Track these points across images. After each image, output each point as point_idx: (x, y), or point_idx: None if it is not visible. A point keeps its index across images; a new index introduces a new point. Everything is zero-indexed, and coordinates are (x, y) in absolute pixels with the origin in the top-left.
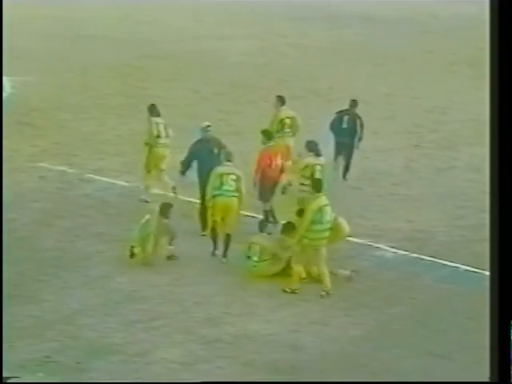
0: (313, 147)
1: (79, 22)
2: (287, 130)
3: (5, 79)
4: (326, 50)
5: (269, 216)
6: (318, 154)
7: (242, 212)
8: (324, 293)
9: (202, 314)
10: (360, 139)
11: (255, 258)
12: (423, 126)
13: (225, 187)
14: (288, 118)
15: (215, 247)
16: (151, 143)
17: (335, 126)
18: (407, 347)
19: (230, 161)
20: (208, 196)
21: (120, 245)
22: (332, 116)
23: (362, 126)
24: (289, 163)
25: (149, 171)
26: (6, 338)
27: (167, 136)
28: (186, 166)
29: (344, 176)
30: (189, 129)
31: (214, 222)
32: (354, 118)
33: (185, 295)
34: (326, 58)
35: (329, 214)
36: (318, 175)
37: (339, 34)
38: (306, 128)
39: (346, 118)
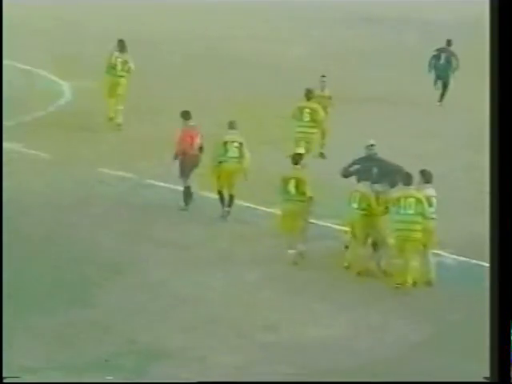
0: None
1: (141, 26)
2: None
3: (65, 84)
4: (386, 54)
5: (188, 191)
6: None
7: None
8: (399, 285)
9: (260, 319)
10: (455, 70)
11: (354, 205)
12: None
13: (229, 154)
14: None
15: (223, 205)
16: (108, 72)
17: (434, 62)
18: (466, 354)
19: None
20: (214, 163)
21: (178, 249)
22: (391, 117)
23: (457, 59)
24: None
25: (110, 97)
26: (64, 340)
27: (123, 70)
28: (346, 175)
29: (440, 100)
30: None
31: (221, 185)
32: (450, 55)
33: (243, 299)
34: (387, 61)
35: (410, 207)
36: None
37: (398, 38)
38: (368, 134)
39: (443, 55)
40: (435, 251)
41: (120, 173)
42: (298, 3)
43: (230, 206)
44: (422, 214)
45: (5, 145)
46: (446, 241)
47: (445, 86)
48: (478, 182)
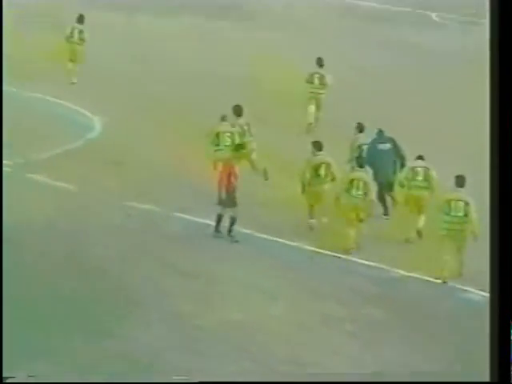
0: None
1: (168, 62)
2: None
3: (95, 119)
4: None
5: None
6: None
7: None
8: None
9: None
10: None
11: (359, 192)
12: None
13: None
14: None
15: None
16: (67, 40)
17: None
18: None
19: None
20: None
21: (203, 283)
22: None
23: None
24: None
25: (70, 61)
26: (87, 370)
27: (80, 39)
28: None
29: None
30: None
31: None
32: None
33: (264, 328)
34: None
35: (460, 210)
36: None
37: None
38: None
39: None
40: None
41: (147, 206)
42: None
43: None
44: (468, 217)
45: (36, 177)
46: None
47: None
48: None
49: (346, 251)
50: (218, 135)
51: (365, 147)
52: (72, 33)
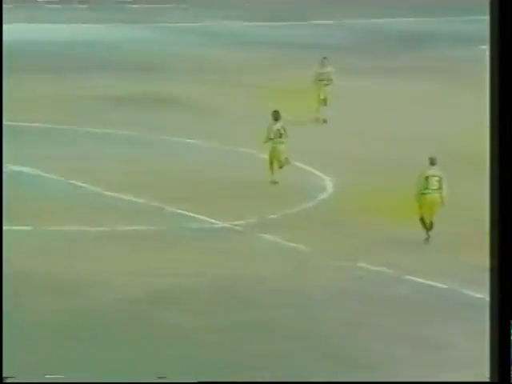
0: None
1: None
2: None
3: (327, 179)
4: None
5: None
6: None
7: None
8: None
9: None
10: None
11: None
12: None
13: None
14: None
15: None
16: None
17: None
18: None
19: None
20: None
21: (432, 350)
22: None
23: None
24: None
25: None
26: None
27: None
28: None
29: None
30: None
31: (422, 214)
32: None
33: None
34: None
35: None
36: None
37: None
38: None
39: None
40: None
41: (378, 268)
42: None
43: (429, 230)
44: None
45: (267, 237)
46: None
47: None
48: None
49: None
50: (426, 179)
51: None
52: (319, 75)
